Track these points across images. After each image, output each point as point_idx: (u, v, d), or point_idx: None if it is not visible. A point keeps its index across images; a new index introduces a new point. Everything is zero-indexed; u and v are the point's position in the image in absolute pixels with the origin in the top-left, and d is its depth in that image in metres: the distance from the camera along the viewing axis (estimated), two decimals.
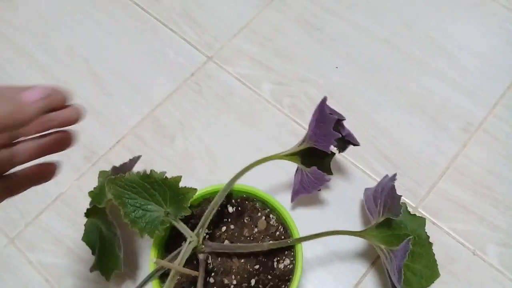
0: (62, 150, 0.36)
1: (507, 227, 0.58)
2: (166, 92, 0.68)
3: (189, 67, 0.70)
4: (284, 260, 0.46)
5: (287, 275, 0.45)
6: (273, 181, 0.61)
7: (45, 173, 0.36)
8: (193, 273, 0.41)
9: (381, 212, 0.50)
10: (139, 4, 0.75)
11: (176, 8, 0.75)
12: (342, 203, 0.60)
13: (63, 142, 0.35)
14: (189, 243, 0.40)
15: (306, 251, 0.55)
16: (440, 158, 0.62)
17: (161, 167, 0.62)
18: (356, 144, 0.54)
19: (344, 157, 0.62)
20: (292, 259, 0.46)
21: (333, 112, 0.50)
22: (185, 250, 0.39)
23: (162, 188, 0.39)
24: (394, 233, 0.49)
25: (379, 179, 0.56)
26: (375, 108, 0.66)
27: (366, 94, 0.67)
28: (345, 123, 0.53)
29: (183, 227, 0.41)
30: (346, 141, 0.54)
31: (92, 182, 0.55)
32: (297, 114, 0.65)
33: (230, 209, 0.48)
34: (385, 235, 0.49)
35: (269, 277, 0.45)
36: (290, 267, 0.46)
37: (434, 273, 0.50)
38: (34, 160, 0.35)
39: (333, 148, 0.54)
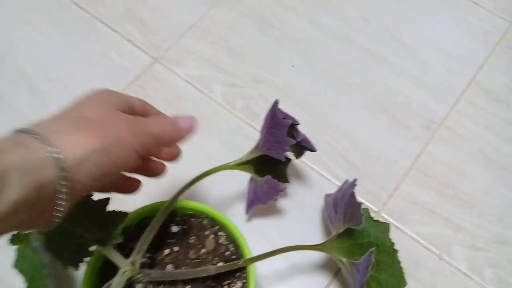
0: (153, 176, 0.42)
1: (473, 228, 0.55)
2: None
3: (134, 70, 0.65)
4: (235, 283, 0.42)
5: None
6: (226, 192, 0.56)
7: (133, 187, 0.41)
8: None
9: (342, 222, 0.47)
10: (78, 4, 0.70)
11: (120, 7, 0.69)
12: (302, 211, 0.56)
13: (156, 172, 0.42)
14: (123, 273, 0.36)
15: (265, 265, 0.51)
16: (403, 159, 0.59)
17: None
18: (312, 150, 0.51)
19: (303, 162, 0.58)
20: (244, 281, 0.42)
21: (286, 116, 0.46)
22: (118, 282, 0.35)
23: (89, 212, 0.35)
24: (356, 242, 0.46)
25: (340, 184, 0.53)
26: (334, 108, 0.63)
27: (324, 94, 0.64)
28: (301, 126, 0.49)
29: (114, 256, 0.36)
30: (302, 146, 0.50)
31: None
32: (251, 117, 0.61)
33: (175, 229, 0.44)
34: (347, 245, 0.46)
35: None
36: None
37: (400, 282, 0.47)
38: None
39: (289, 154, 0.51)
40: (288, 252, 0.46)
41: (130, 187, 0.41)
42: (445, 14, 0.70)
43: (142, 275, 0.38)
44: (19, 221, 0.28)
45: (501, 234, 0.55)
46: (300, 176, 0.58)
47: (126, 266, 0.36)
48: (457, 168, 0.59)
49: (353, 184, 0.46)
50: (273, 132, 0.45)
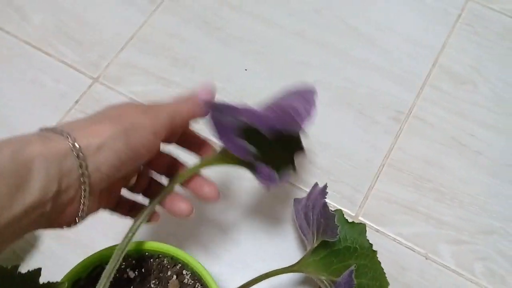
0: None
1: (456, 221, 0.52)
2: None
3: (72, 94, 0.58)
4: None
5: None
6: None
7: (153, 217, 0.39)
8: None
9: (315, 234, 0.42)
10: (3, 28, 0.63)
11: (49, 26, 0.63)
12: (273, 224, 0.51)
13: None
14: None
15: None
16: (374, 155, 0.56)
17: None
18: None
19: None
20: None
21: (231, 113, 0.38)
22: None
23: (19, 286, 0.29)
24: (333, 249, 0.42)
25: (308, 189, 0.48)
26: None
27: None
28: None
29: None
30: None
31: None
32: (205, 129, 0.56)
33: (131, 274, 0.39)
34: (324, 255, 0.42)
35: None
36: None
37: (382, 284, 0.43)
38: None
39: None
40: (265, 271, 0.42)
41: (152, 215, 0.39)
42: None
43: None
44: (42, 213, 0.28)
45: (486, 224, 0.52)
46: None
47: None
48: (431, 159, 0.55)
49: (323, 191, 0.41)
50: (222, 137, 0.38)
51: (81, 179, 0.30)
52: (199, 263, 0.38)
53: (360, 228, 0.44)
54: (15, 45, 0.62)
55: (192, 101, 0.37)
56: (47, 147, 0.29)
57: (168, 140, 0.39)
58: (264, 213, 0.52)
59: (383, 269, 0.43)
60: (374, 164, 0.55)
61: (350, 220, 0.44)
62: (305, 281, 0.49)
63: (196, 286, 0.38)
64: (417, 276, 0.49)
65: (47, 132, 0.31)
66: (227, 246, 0.50)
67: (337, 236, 0.39)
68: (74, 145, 0.30)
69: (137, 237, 0.38)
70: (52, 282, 0.30)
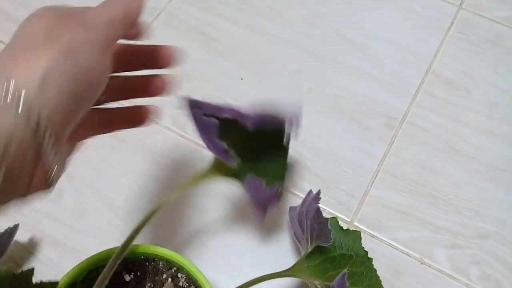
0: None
1: (451, 226, 0.52)
2: None
3: None
4: None
5: None
6: (189, 226, 0.52)
7: (142, 116, 0.35)
8: None
9: (309, 240, 0.43)
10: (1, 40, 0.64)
11: None
12: (268, 232, 0.52)
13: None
14: None
15: None
16: (368, 162, 0.56)
17: (49, 230, 0.51)
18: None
19: None
20: None
21: (214, 110, 0.35)
22: None
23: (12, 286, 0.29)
24: (328, 256, 0.42)
25: (303, 195, 0.49)
26: None
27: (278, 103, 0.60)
28: None
29: None
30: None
31: None
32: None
33: (127, 278, 0.39)
34: (318, 262, 0.42)
35: None
36: None
37: None
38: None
39: None
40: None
41: (137, 114, 0.34)
42: (388, 5, 0.67)
43: None
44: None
45: (481, 228, 0.52)
46: None
47: None
48: (425, 165, 0.56)
49: (317, 197, 0.42)
50: (204, 137, 0.38)
51: (35, 128, 0.23)
52: (194, 265, 0.38)
53: (355, 235, 0.44)
54: None
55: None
56: None
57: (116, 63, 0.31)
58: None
59: (378, 276, 0.43)
60: (368, 170, 0.55)
61: (345, 226, 0.45)
62: (299, 286, 0.49)
63: None
64: (413, 280, 0.50)
65: None
66: (223, 253, 0.50)
67: (330, 241, 0.39)
68: (7, 90, 0.22)
69: (134, 242, 0.39)
70: (45, 282, 0.30)
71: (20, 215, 0.51)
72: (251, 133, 0.35)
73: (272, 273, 0.41)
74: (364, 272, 0.43)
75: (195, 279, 0.38)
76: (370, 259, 0.43)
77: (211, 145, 0.35)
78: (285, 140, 0.37)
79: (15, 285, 0.30)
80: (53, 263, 0.49)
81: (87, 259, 0.38)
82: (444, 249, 0.51)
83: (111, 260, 0.35)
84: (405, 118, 0.59)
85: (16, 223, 0.47)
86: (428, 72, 0.62)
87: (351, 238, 0.44)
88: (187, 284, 0.39)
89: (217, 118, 0.34)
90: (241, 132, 0.35)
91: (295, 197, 0.54)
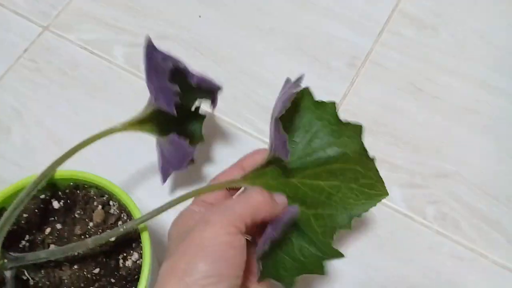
0: None
1: (409, 165, 0.51)
2: None
3: (21, 43, 0.57)
4: (132, 254, 0.36)
5: (137, 274, 0.36)
6: (138, 164, 0.50)
7: None
8: None
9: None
10: None
11: None
12: None
13: None
14: None
15: None
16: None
17: None
18: (216, 88, 0.42)
19: (223, 120, 0.52)
20: (141, 251, 0.36)
21: (167, 58, 0.38)
22: None
23: None
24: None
25: (267, 139, 0.47)
26: (251, 58, 0.57)
27: (239, 43, 0.58)
28: (216, 81, 0.41)
29: None
30: (206, 91, 0.43)
31: None
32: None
33: (56, 204, 0.38)
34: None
35: (113, 280, 0.35)
36: (139, 262, 0.36)
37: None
38: None
39: (204, 108, 0.44)
40: None
41: None
42: None
43: (7, 260, 0.32)
44: None
45: (440, 168, 0.51)
46: (223, 136, 0.52)
47: None
48: (387, 104, 0.54)
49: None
50: (153, 80, 0.38)
51: None
52: (125, 193, 0.37)
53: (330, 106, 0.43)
54: None
55: (273, 204, 0.34)
56: None
57: None
58: (222, 165, 0.51)
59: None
60: None
61: None
62: None
63: (122, 215, 0.37)
64: (367, 219, 0.48)
65: None
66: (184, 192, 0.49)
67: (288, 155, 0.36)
68: None
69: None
70: None
71: None
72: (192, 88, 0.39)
73: (198, 189, 0.38)
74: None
75: (126, 206, 0.37)
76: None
77: (157, 87, 0.37)
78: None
79: None
80: None
81: (13, 184, 0.37)
82: (400, 188, 0.50)
83: (30, 183, 0.34)
84: (368, 57, 0.56)
85: None
86: (395, 10, 0.59)
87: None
88: (118, 212, 0.37)
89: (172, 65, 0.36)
90: (185, 85, 0.37)
91: (259, 141, 0.52)
